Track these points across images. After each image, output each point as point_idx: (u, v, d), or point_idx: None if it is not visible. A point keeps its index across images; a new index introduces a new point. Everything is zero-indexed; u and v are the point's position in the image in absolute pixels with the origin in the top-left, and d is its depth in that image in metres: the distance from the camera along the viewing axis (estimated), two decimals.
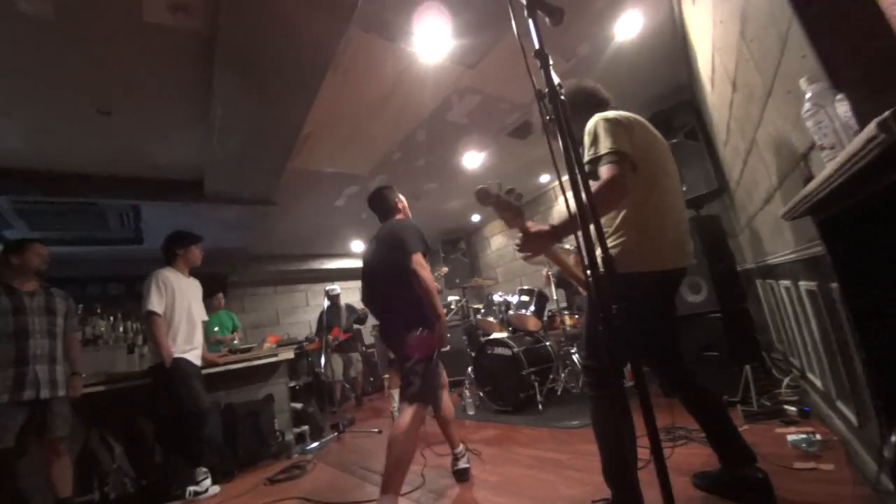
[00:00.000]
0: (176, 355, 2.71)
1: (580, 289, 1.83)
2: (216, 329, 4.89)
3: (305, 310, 7.69)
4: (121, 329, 5.32)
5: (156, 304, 2.73)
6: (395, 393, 3.90)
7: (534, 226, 1.44)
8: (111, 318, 5.31)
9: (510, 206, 1.45)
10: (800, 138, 1.30)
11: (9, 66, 2.33)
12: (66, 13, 2.06)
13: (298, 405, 3.85)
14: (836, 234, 1.10)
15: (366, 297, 2.32)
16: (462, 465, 2.24)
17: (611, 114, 1.46)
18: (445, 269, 5.18)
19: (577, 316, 3.85)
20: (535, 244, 1.43)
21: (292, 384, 4.04)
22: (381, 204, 2.36)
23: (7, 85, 2.47)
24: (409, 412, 1.88)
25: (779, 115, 1.48)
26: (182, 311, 2.85)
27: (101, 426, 2.90)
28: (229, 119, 2.96)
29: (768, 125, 1.65)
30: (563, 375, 3.70)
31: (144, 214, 4.30)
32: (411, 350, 2.00)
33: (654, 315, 1.51)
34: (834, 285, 1.33)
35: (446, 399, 2.27)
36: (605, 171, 1.31)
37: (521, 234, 1.44)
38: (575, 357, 3.70)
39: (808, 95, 1.01)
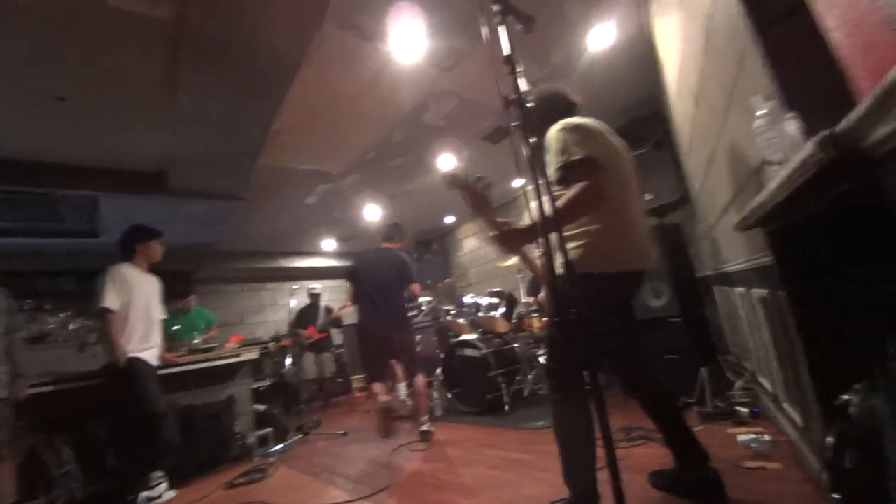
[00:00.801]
0: (131, 355, 2.60)
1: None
2: (195, 333, 4.66)
3: (272, 309, 7.50)
4: (71, 326, 5.04)
5: (111, 300, 2.60)
6: (402, 386, 4.29)
7: (506, 223, 1.45)
8: (62, 315, 5.02)
9: (476, 193, 1.45)
10: (754, 153, 1.37)
11: None
12: None
13: (262, 407, 3.74)
14: (783, 245, 1.16)
15: (362, 300, 3.25)
16: (425, 427, 3.04)
17: (576, 120, 1.48)
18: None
19: (545, 319, 3.92)
20: (511, 242, 1.45)
21: (256, 385, 3.92)
22: (396, 232, 3.49)
23: None
24: (420, 375, 3.23)
25: (736, 129, 1.55)
26: (139, 308, 2.73)
27: (48, 429, 2.73)
28: (196, 111, 2.86)
29: (727, 139, 1.73)
30: (530, 377, 3.75)
31: (102, 207, 4.08)
32: (413, 343, 3.34)
33: (612, 316, 1.53)
34: (782, 293, 1.40)
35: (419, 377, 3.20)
36: (581, 177, 1.33)
37: (495, 231, 1.45)
38: (542, 359, 3.76)
39: (759, 113, 1.06)
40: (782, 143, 1.04)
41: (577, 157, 1.34)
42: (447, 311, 4.84)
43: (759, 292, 1.72)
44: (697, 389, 2.49)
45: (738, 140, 1.55)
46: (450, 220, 7.22)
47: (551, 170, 1.40)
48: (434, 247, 7.52)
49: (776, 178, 0.85)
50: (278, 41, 2.38)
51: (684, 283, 2.88)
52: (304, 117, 3.36)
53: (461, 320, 4.23)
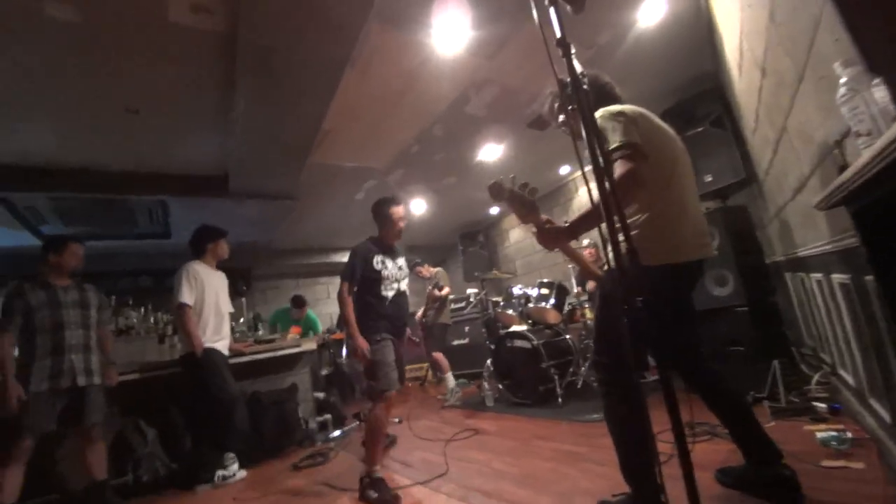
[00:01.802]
0: (206, 345, 2.81)
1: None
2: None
3: (327, 302, 7.82)
4: (151, 320, 5.52)
5: (187, 296, 2.83)
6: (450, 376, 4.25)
7: (548, 221, 1.44)
8: (142, 310, 5.50)
9: (524, 200, 1.44)
10: (834, 125, 1.25)
11: (40, 68, 2.42)
12: (91, 16, 2.13)
13: (321, 395, 3.93)
14: (871, 225, 1.05)
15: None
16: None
17: (614, 108, 1.43)
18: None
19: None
20: (551, 240, 1.44)
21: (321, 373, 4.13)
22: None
23: (39, 87, 2.57)
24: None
25: (811, 101, 1.42)
26: (211, 303, 2.95)
27: (134, 413, 3.03)
28: (251, 116, 3.02)
29: (800, 112, 1.59)
30: (583, 369, 3.67)
31: (171, 210, 4.44)
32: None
33: (668, 309, 1.46)
34: (868, 278, 1.28)
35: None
36: (618, 164, 1.29)
37: (535, 230, 1.45)
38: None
39: (842, 80, 0.97)
40: (868, 111, 0.94)
41: (615, 145, 1.30)
42: (495, 303, 4.83)
43: (840, 277, 1.58)
44: (769, 383, 2.33)
45: (814, 112, 1.42)
46: (494, 211, 7.16)
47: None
48: (479, 239, 7.50)
49: (868, 150, 0.77)
50: (324, 46, 2.45)
51: (751, 270, 2.70)
52: (350, 115, 3.44)
53: (510, 311, 4.20)
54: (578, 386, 3.60)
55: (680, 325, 1.53)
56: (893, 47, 0.89)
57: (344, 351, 4.59)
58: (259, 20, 2.22)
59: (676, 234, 1.41)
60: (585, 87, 0.93)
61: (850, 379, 1.86)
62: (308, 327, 5.21)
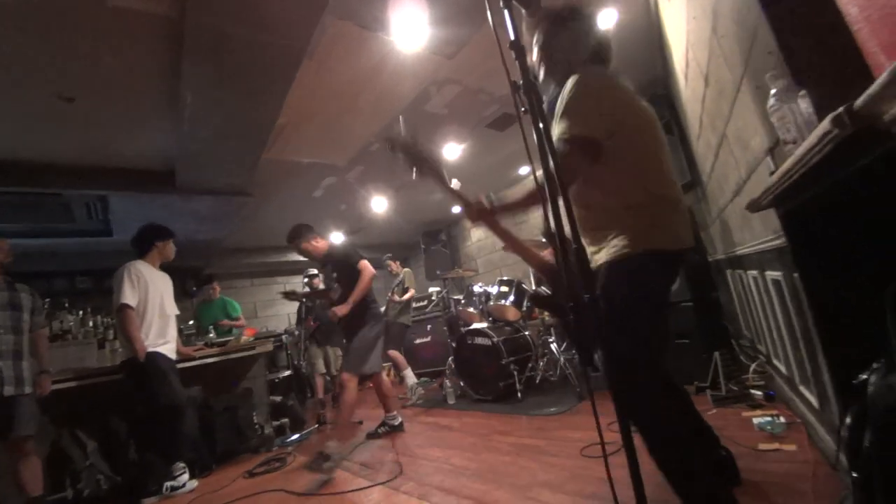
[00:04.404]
0: (149, 349, 2.65)
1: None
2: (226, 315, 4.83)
3: (284, 302, 7.58)
4: (90, 324, 5.15)
5: (129, 296, 2.65)
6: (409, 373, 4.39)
7: (475, 204, 1.38)
8: (80, 313, 5.12)
9: (419, 156, 1.37)
10: (766, 133, 1.34)
11: None
12: None
13: (278, 398, 3.81)
14: (797, 226, 1.14)
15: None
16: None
17: (592, 81, 1.27)
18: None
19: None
20: (474, 214, 1.39)
21: (271, 377, 3.99)
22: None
23: None
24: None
25: (748, 109, 1.52)
26: (154, 304, 2.78)
27: (72, 423, 2.82)
28: (200, 108, 2.87)
29: (738, 119, 1.70)
30: (541, 364, 3.77)
31: (113, 206, 4.14)
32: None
33: (667, 301, 1.34)
34: (796, 275, 1.39)
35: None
36: (560, 152, 1.17)
37: (456, 201, 1.41)
38: (553, 346, 3.77)
39: (773, 91, 1.04)
40: (795, 121, 1.02)
41: (563, 136, 1.22)
42: (457, 301, 4.86)
43: (772, 274, 1.71)
44: (711, 373, 2.48)
45: (750, 120, 1.52)
46: (457, 210, 7.20)
47: (556, 130, 1.25)
48: (442, 237, 7.52)
49: (791, 156, 0.83)
50: (280, 34, 2.37)
51: (696, 268, 2.86)
52: (307, 110, 3.35)
53: (471, 309, 4.24)
54: (537, 381, 3.69)
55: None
56: (817, 62, 0.97)
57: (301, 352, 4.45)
58: (208, 5, 2.11)
59: (673, 217, 1.27)
60: (536, 88, 0.94)
61: (782, 368, 2.01)
62: (222, 310, 4.99)
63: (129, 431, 2.92)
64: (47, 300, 4.69)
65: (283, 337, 5.69)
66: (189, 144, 3.31)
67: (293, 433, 3.59)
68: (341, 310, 2.89)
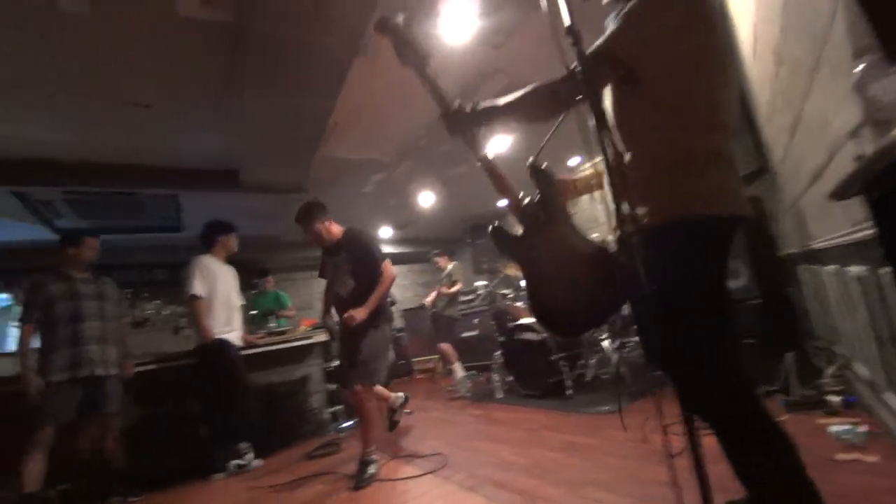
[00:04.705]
0: (216, 336, 2.86)
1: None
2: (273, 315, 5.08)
3: None
4: (165, 312, 5.62)
5: (198, 288, 2.88)
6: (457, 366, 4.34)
7: (455, 110, 1.21)
8: (157, 302, 5.61)
9: (408, 44, 1.24)
10: (851, 113, 1.22)
11: (53, 63, 2.45)
12: (101, 10, 2.15)
13: (333, 386, 3.98)
14: (889, 216, 1.03)
15: None
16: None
17: None
18: None
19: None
20: (449, 119, 1.21)
21: (327, 366, 4.18)
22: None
23: (51, 81, 2.60)
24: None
25: (827, 88, 1.39)
26: (221, 295, 3.00)
27: (150, 403, 3.10)
28: (260, 109, 3.03)
29: (816, 99, 1.55)
30: (592, 361, 3.67)
31: (183, 204, 4.49)
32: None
33: (724, 282, 1.05)
34: (885, 270, 1.26)
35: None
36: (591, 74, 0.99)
37: (436, 101, 1.23)
38: (604, 343, 3.65)
39: (859, 67, 0.94)
40: (886, 99, 0.92)
41: (595, 49, 1.01)
42: (504, 296, 4.83)
43: (855, 269, 1.56)
44: (782, 377, 2.31)
45: (830, 100, 1.39)
46: (504, 202, 7.13)
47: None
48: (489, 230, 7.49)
49: (886, 137, 0.75)
50: (332, 37, 2.45)
51: (764, 262, 2.66)
52: (357, 108, 3.44)
53: (519, 304, 4.20)
54: (588, 378, 3.60)
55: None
56: None
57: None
58: (266, 11, 2.22)
59: (735, 176, 1.04)
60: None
61: (864, 372, 1.83)
62: (275, 301, 5.14)
63: (201, 412, 3.17)
64: (128, 291, 5.18)
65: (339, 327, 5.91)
66: (251, 144, 3.51)
67: (347, 419, 3.74)
68: (360, 314, 2.45)
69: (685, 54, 0.97)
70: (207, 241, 3.12)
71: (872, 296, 1.43)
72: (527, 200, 1.29)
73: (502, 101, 1.16)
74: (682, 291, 0.96)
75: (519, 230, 1.29)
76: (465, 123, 1.21)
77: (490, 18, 2.69)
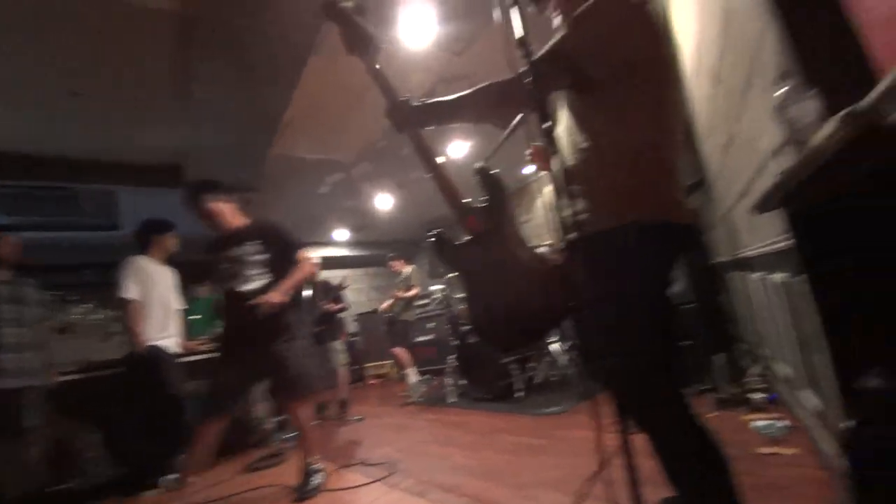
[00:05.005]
0: (150, 343, 2.67)
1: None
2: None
3: None
4: (94, 317, 5.20)
5: (131, 290, 2.67)
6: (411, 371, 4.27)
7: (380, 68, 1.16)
8: (85, 306, 5.18)
9: (356, 27, 1.18)
10: (775, 133, 1.33)
11: None
12: None
13: None
14: (805, 227, 1.13)
15: None
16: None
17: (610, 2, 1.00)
18: None
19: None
20: (398, 120, 1.14)
21: None
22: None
23: None
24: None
25: (756, 110, 1.51)
26: (157, 298, 2.80)
27: (76, 415, 2.84)
28: (209, 102, 2.89)
29: (746, 120, 1.68)
30: (542, 364, 3.76)
31: (121, 200, 4.18)
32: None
33: (667, 287, 1.06)
34: (802, 277, 1.37)
35: None
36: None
37: (381, 90, 1.16)
38: (553, 346, 3.76)
39: (781, 92, 1.03)
40: (803, 122, 1.01)
41: (546, 49, 1.01)
42: (460, 300, 4.86)
43: (777, 276, 1.69)
44: (713, 376, 2.47)
45: (758, 121, 1.51)
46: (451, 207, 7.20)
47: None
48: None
49: (798, 156, 0.83)
50: (287, 29, 2.38)
51: (700, 270, 2.84)
52: (314, 106, 3.36)
53: None
54: (537, 380, 3.68)
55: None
56: (826, 65, 0.96)
57: None
58: (218, 1, 2.13)
59: (676, 182, 1.03)
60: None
61: (785, 371, 1.99)
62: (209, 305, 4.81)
63: (132, 424, 2.94)
64: (54, 293, 4.73)
65: None
66: (199, 139, 3.34)
67: (293, 430, 3.60)
68: (275, 296, 2.06)
69: (633, 62, 0.98)
70: (143, 240, 2.91)
71: (792, 300, 1.56)
72: (473, 207, 1.22)
73: (451, 97, 1.10)
74: (628, 298, 0.97)
75: (463, 238, 1.23)
76: (411, 119, 1.15)
77: (451, 25, 2.72)
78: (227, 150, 3.57)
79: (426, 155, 1.19)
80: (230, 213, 2.28)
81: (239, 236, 2.22)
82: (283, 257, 2.21)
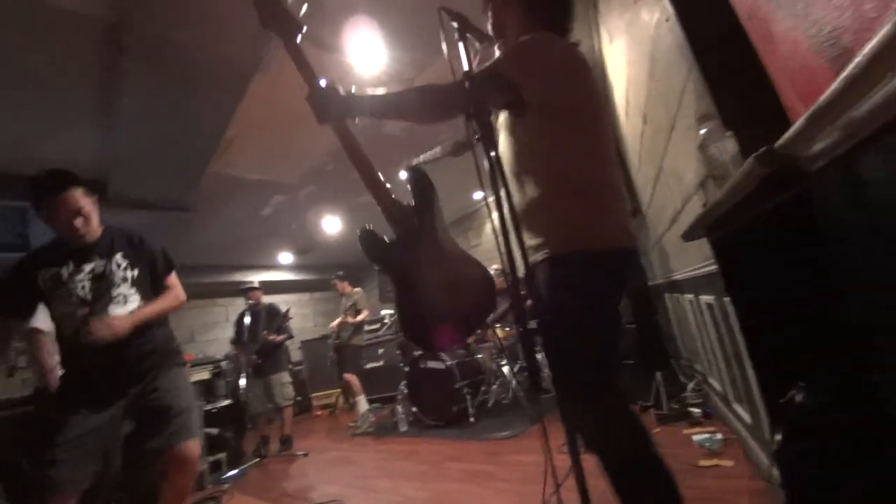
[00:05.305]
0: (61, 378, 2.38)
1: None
2: None
3: (225, 326, 7.13)
4: None
5: (41, 320, 2.38)
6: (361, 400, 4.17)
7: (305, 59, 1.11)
8: None
9: (276, 7, 1.10)
10: (697, 168, 1.46)
11: None
12: None
13: (214, 430, 3.53)
14: (727, 254, 1.24)
15: None
16: None
17: (546, 37, 1.07)
18: None
19: (508, 328, 3.95)
20: (322, 110, 1.09)
21: (208, 407, 3.70)
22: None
23: None
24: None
25: (681, 147, 1.65)
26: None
27: None
28: (139, 113, 2.71)
29: (673, 155, 1.84)
30: (494, 387, 3.77)
31: (32, 218, 3.76)
32: None
33: (616, 311, 1.11)
34: (727, 298, 1.49)
35: None
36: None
37: (303, 77, 1.12)
38: (505, 369, 3.79)
39: (703, 131, 1.14)
40: (722, 159, 1.12)
41: (483, 68, 1.04)
42: None
43: (706, 298, 1.83)
44: (653, 393, 2.59)
45: (683, 157, 1.65)
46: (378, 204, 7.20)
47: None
48: None
49: (720, 191, 0.91)
50: (229, 46, 2.31)
51: (637, 292, 3.02)
52: (258, 126, 3.26)
53: None
54: (489, 405, 3.68)
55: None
56: (743, 107, 1.08)
57: (242, 380, 3.89)
58: (151, 9, 2.02)
59: (620, 209, 1.07)
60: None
61: (718, 386, 2.13)
62: None
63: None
64: None
65: (223, 364, 5.33)
66: (126, 153, 3.10)
67: (230, 468, 3.32)
68: (123, 321, 1.60)
69: (564, 90, 1.03)
70: None
71: (719, 320, 1.68)
72: (400, 204, 1.20)
73: (388, 92, 1.11)
74: (582, 321, 0.99)
75: (391, 236, 1.22)
76: (334, 106, 1.08)
77: (402, 53, 2.77)
78: (155, 165, 3.34)
79: (351, 149, 1.16)
80: (96, 215, 1.77)
81: (90, 246, 1.72)
82: (158, 272, 1.83)
